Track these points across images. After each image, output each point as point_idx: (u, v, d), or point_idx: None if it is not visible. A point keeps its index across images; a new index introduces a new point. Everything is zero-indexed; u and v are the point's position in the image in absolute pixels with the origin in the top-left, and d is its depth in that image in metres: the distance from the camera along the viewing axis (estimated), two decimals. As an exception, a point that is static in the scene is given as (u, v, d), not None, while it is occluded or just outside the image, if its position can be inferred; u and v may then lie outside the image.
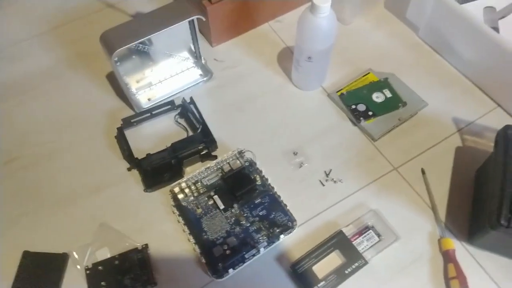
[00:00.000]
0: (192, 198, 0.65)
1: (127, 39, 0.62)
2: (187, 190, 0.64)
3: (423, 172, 0.67)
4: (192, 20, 0.69)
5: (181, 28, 0.71)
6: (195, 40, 0.75)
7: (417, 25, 0.82)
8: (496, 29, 0.76)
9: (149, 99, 0.76)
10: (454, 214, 0.63)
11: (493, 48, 0.69)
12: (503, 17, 0.77)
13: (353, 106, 0.72)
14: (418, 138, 0.70)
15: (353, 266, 0.58)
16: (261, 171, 0.67)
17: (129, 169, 0.69)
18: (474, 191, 0.64)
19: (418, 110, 0.72)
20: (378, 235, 0.60)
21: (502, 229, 0.50)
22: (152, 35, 0.64)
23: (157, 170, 0.67)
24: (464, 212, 0.63)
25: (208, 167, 0.66)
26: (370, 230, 0.61)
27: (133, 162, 0.68)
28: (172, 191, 0.65)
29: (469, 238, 0.60)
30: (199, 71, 0.79)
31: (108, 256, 0.61)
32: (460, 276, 0.56)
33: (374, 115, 0.71)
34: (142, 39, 0.64)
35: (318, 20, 0.63)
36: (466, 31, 0.72)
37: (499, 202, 0.51)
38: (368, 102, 0.73)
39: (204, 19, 0.68)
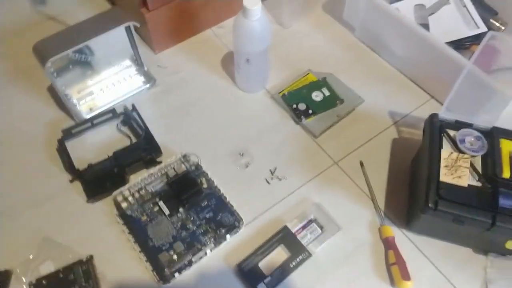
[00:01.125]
0: (136, 206, 0.64)
1: (60, 48, 0.62)
2: (130, 198, 0.64)
3: (361, 164, 0.69)
4: (129, 27, 0.69)
5: (119, 36, 0.71)
6: (134, 47, 0.75)
7: (353, 26, 0.86)
8: (426, 25, 0.80)
9: (90, 109, 0.75)
10: (392, 203, 0.65)
11: (423, 44, 0.73)
12: (432, 13, 0.82)
13: (294, 106, 0.75)
14: (356, 133, 0.73)
15: (298, 259, 0.59)
16: (207, 174, 0.67)
17: (71, 181, 0.67)
18: (410, 179, 0.67)
19: (355, 106, 0.75)
20: (321, 227, 0.62)
21: (430, 212, 0.53)
22: (84, 43, 0.63)
23: (100, 180, 0.66)
24: (402, 200, 0.66)
25: (152, 173, 0.66)
26: (313, 223, 0.62)
27: (75, 173, 0.67)
28: (115, 200, 0.64)
29: (407, 224, 0.63)
30: (142, 78, 0.79)
31: (52, 270, 0.60)
32: (400, 261, 0.58)
33: (314, 113, 0.74)
34: (75, 47, 0.63)
35: (251, 23, 0.65)
36: (397, 30, 0.76)
37: (427, 186, 0.54)
38: (308, 101, 0.75)
39: (138, 26, 0.68)
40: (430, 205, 0.52)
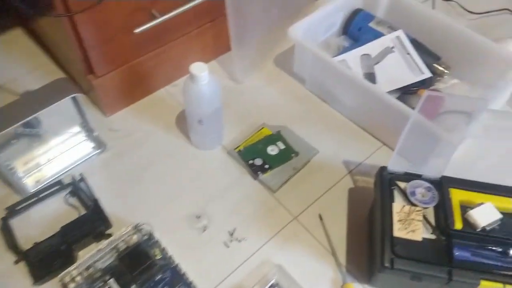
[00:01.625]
0: (84, 286, 0.60)
1: (2, 125, 0.59)
2: (78, 278, 0.60)
3: (320, 218, 0.68)
4: (75, 96, 0.68)
5: (65, 105, 0.69)
6: (83, 115, 0.73)
7: (304, 78, 0.87)
8: (372, 74, 0.83)
9: (37, 181, 0.71)
10: (353, 257, 0.64)
11: (368, 95, 0.75)
12: (378, 62, 0.85)
13: (251, 161, 0.74)
14: (313, 185, 0.72)
15: (259, 331, 0.56)
16: (160, 244, 0.64)
17: (16, 262, 0.63)
18: (368, 231, 0.66)
19: (310, 158, 0.75)
20: (283, 292, 0.60)
21: (387, 271, 0.51)
22: (28, 118, 0.61)
23: (46, 260, 0.62)
24: (363, 254, 0.64)
25: (100, 249, 0.62)
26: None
27: (19, 254, 0.62)
28: (62, 282, 0.60)
29: (369, 280, 0.61)
30: (92, 144, 0.77)
31: None
32: (364, 321, 0.56)
33: (270, 168, 0.73)
34: (18, 123, 0.61)
35: (199, 88, 0.65)
36: (342, 82, 0.79)
37: (381, 243, 0.53)
38: (264, 156, 0.74)
39: (82, 96, 0.67)
40: (386, 264, 0.51)
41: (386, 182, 0.58)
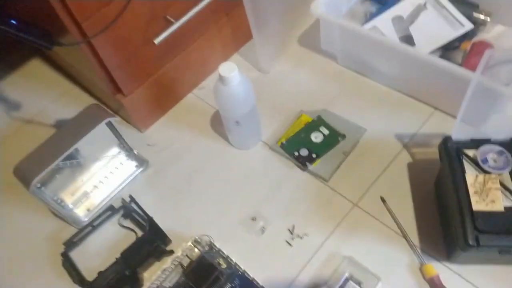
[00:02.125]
0: (157, 306, 0.59)
1: (41, 167, 0.59)
2: (150, 300, 0.59)
3: (383, 200, 0.64)
4: (110, 121, 0.66)
5: (101, 131, 0.67)
6: (119, 137, 0.71)
7: (334, 54, 0.82)
8: (409, 36, 0.77)
9: (88, 210, 0.71)
10: (426, 236, 0.60)
11: (408, 59, 0.69)
12: (411, 23, 0.78)
13: (296, 153, 0.70)
14: (367, 167, 0.68)
15: (344, 329, 0.53)
16: (223, 253, 0.63)
17: (84, 294, 0.63)
18: (437, 205, 0.62)
19: (359, 138, 0.71)
20: (359, 284, 0.57)
21: (473, 249, 0.47)
22: (66, 152, 0.60)
23: (114, 287, 0.61)
24: (436, 230, 0.60)
25: (165, 269, 0.61)
26: (349, 281, 0.57)
27: (87, 285, 0.62)
28: (134, 306, 0.59)
29: (448, 257, 0.57)
30: (134, 163, 0.75)
31: None
32: (452, 303, 0.53)
33: (318, 156, 0.69)
34: (58, 160, 0.60)
35: (231, 90, 0.62)
36: (378, 50, 0.73)
37: (461, 221, 0.49)
38: (309, 145, 0.71)
39: (117, 119, 0.65)
40: (471, 243, 0.47)
41: (453, 153, 0.54)
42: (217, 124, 0.79)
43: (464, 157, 0.53)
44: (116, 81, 0.70)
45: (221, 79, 0.60)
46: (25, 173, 0.58)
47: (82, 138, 0.61)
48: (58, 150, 0.61)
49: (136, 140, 0.75)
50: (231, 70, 0.59)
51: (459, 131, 0.55)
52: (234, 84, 0.61)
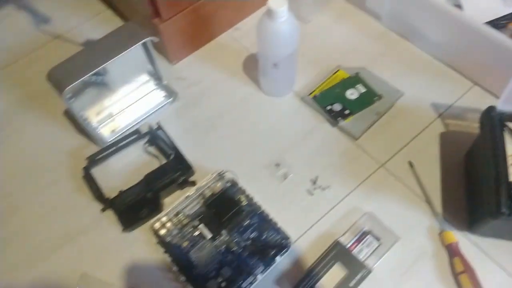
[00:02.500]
0: (175, 231, 0.60)
1: (76, 74, 0.57)
2: (169, 224, 0.60)
3: (411, 165, 0.64)
4: (145, 42, 0.64)
5: (135, 52, 0.66)
6: (152, 61, 0.70)
7: (379, 14, 0.80)
8: (459, 6, 0.74)
9: (112, 131, 0.71)
10: (450, 204, 0.60)
11: (458, 26, 0.67)
12: (464, -8, 0.75)
13: (329, 107, 0.69)
14: (399, 130, 0.68)
15: (357, 278, 0.54)
16: (244, 190, 0.63)
17: (103, 210, 0.63)
18: (466, 177, 0.62)
19: (395, 101, 0.70)
20: (377, 239, 0.57)
21: (504, 218, 0.47)
22: (102, 65, 0.59)
23: (133, 207, 0.62)
24: (460, 200, 0.60)
25: (188, 196, 0.61)
26: (369, 235, 0.58)
27: (106, 202, 0.63)
28: (153, 228, 0.60)
29: (469, 227, 0.58)
30: (163, 93, 0.74)
31: (94, 309, 0.56)
32: (468, 269, 0.53)
33: (351, 113, 0.68)
34: (93, 72, 0.58)
35: (277, 26, 0.60)
36: (430, 13, 0.70)
37: (496, 189, 0.48)
38: (343, 101, 0.70)
39: (157, 40, 0.63)
40: (503, 210, 0.47)
41: (496, 123, 0.53)
42: (250, 68, 0.77)
43: (506, 129, 0.53)
44: (157, 3, 0.67)
45: (269, 12, 0.58)
46: (59, 79, 0.57)
47: (119, 54, 0.60)
48: (93, 62, 0.59)
49: (165, 72, 0.73)
50: (280, 4, 0.57)
51: (505, 103, 0.54)
52: (281, 20, 0.59)
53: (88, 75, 0.57)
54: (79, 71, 0.57)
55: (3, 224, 0.63)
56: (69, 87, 0.56)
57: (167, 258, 0.58)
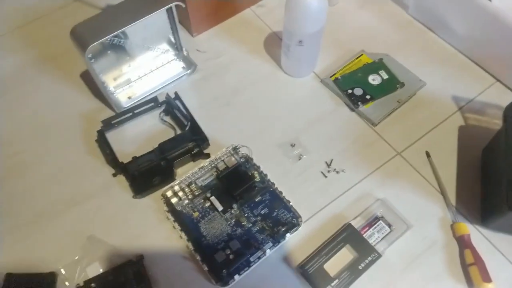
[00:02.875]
0: (186, 201, 0.60)
1: (101, 33, 0.56)
2: (180, 193, 0.59)
3: (428, 155, 0.63)
4: (171, 8, 0.63)
5: (159, 18, 0.65)
6: (175, 30, 0.69)
7: (406, 3, 0.78)
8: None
9: (129, 97, 0.70)
10: (464, 197, 0.60)
11: (486, 19, 0.66)
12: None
13: (350, 91, 0.69)
14: (419, 120, 0.67)
15: (367, 261, 0.54)
16: (258, 167, 0.62)
17: (114, 175, 0.63)
18: (482, 171, 0.61)
19: (417, 90, 0.69)
20: (389, 225, 0.57)
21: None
22: (128, 26, 0.58)
23: (146, 174, 0.61)
24: (474, 194, 0.60)
25: (202, 167, 0.61)
26: (380, 221, 0.57)
27: (119, 167, 0.62)
28: (164, 195, 0.60)
29: (482, 221, 0.58)
30: (181, 64, 0.73)
31: (100, 271, 0.56)
32: (479, 261, 0.53)
33: (372, 99, 0.68)
34: (118, 32, 0.57)
35: (307, 0, 0.58)
36: (456, 4, 0.69)
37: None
38: (365, 85, 0.69)
39: (183, 6, 0.62)
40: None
41: (521, 118, 0.52)
42: (271, 46, 0.76)
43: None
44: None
45: (301, -14, 0.57)
46: (83, 36, 0.56)
47: (145, 17, 0.59)
48: (117, 23, 0.58)
49: (186, 43, 0.72)
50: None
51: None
52: (311, -4, 0.58)
53: (113, 34, 0.57)
54: (103, 30, 0.56)
55: (15, 181, 0.63)
56: (92, 44, 0.55)
57: (176, 226, 0.58)
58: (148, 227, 0.59)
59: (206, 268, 0.54)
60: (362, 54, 0.73)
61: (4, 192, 0.62)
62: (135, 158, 0.62)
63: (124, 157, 0.63)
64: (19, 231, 0.59)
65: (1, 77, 0.73)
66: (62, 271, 0.56)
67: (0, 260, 0.56)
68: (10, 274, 0.55)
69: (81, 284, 0.55)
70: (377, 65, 0.71)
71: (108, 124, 0.66)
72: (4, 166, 0.64)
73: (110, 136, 0.66)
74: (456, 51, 0.74)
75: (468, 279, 0.54)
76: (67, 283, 0.55)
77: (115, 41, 0.64)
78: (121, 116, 0.66)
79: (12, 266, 0.56)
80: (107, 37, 0.56)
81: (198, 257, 0.55)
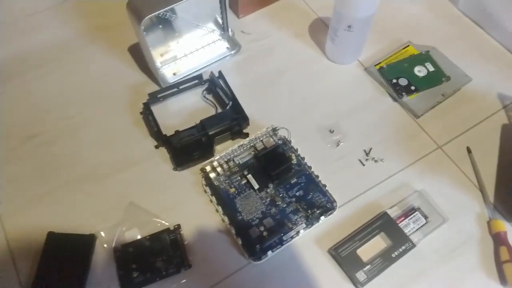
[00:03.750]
0: (224, 177, 0.61)
1: (157, 5, 0.58)
2: (219, 169, 0.61)
3: (469, 150, 0.63)
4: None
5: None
6: (223, 9, 0.70)
7: (457, -4, 0.77)
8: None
9: (174, 74, 0.72)
10: (503, 195, 0.59)
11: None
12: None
13: (394, 81, 0.68)
14: (462, 115, 0.66)
15: (400, 250, 0.54)
16: (296, 150, 0.63)
17: (156, 147, 0.65)
18: (525, 171, 0.60)
19: (462, 85, 0.68)
20: (425, 217, 0.57)
21: None
22: (184, 1, 0.59)
23: (187, 148, 0.63)
24: (514, 193, 0.59)
25: (242, 145, 0.62)
26: (417, 212, 0.57)
27: (161, 139, 0.64)
28: (203, 170, 0.61)
29: (520, 220, 0.57)
30: (226, 44, 0.75)
31: (138, 237, 0.58)
32: (515, 259, 0.53)
33: (417, 90, 0.67)
34: (173, 5, 0.59)
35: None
36: (509, 2, 0.67)
37: None
38: (410, 76, 0.68)
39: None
40: None
41: None
42: (316, 31, 0.76)
43: None
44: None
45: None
46: (138, 8, 0.58)
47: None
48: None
49: (232, 24, 0.73)
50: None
51: None
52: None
53: (168, 7, 0.58)
54: (159, 3, 0.58)
55: (63, 143, 0.66)
56: (148, 16, 0.57)
57: (213, 200, 0.59)
58: (186, 199, 0.61)
59: (240, 242, 0.56)
60: (408, 45, 0.72)
61: (53, 152, 0.65)
62: (177, 132, 0.64)
63: (166, 130, 0.65)
64: (63, 192, 0.61)
65: (54, 44, 0.76)
66: (102, 234, 0.58)
67: (44, 218, 0.59)
68: (52, 232, 0.57)
69: (119, 247, 0.57)
70: (423, 57, 0.70)
71: (154, 97, 0.68)
72: (56, 127, 0.67)
73: (155, 109, 0.68)
74: (504, 49, 0.73)
75: (502, 276, 0.54)
76: (105, 245, 0.58)
77: (168, 15, 0.66)
78: (166, 90, 0.68)
79: (54, 225, 0.58)
80: (162, 9, 0.58)
81: (233, 231, 0.57)
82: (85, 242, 0.57)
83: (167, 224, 0.59)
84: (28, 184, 0.62)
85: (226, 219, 0.58)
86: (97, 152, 0.65)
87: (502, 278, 0.53)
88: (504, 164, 0.61)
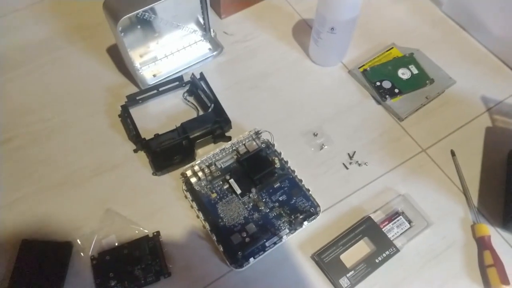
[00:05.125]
0: (205, 182, 0.60)
1: (134, 6, 0.56)
2: (200, 174, 0.59)
3: (453, 154, 0.62)
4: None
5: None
6: (204, 9, 0.68)
7: (441, 0, 0.77)
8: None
9: (154, 75, 0.70)
10: (487, 198, 0.59)
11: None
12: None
13: (378, 83, 0.68)
14: (446, 118, 0.66)
15: (384, 255, 0.54)
16: (279, 153, 0.62)
17: (135, 151, 0.63)
18: (507, 174, 0.60)
19: (446, 88, 0.68)
20: (409, 221, 0.56)
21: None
22: (162, 1, 0.57)
23: (167, 152, 0.61)
24: (497, 196, 0.59)
25: (224, 149, 0.61)
26: (400, 216, 0.57)
27: (140, 143, 0.62)
28: (184, 175, 0.60)
29: (504, 223, 0.57)
30: (208, 45, 0.73)
31: (116, 244, 0.56)
32: (498, 263, 0.52)
33: (400, 93, 0.66)
34: (151, 5, 0.57)
35: (344, -14, 0.58)
36: (494, 5, 0.67)
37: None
38: (394, 79, 0.68)
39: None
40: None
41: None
42: (300, 33, 0.75)
43: None
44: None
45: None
46: (115, 8, 0.56)
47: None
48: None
49: (214, 25, 0.72)
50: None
51: None
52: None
53: (146, 7, 0.56)
54: (136, 3, 0.56)
55: (39, 147, 0.63)
56: (125, 16, 0.55)
57: (194, 205, 0.58)
58: (166, 205, 0.59)
59: (221, 249, 0.54)
60: (392, 47, 0.71)
61: (28, 157, 0.62)
62: (157, 135, 0.63)
63: (146, 133, 0.63)
64: (39, 198, 0.59)
65: (31, 44, 0.73)
66: (78, 241, 0.56)
67: (18, 226, 0.57)
68: (26, 240, 0.55)
69: (96, 255, 0.55)
70: (407, 60, 0.69)
71: (133, 100, 0.66)
72: (31, 130, 0.65)
73: (133, 112, 0.66)
74: (488, 51, 0.73)
75: (486, 280, 0.53)
76: (82, 254, 0.56)
77: (146, 16, 0.64)
78: (146, 92, 0.66)
79: (29, 232, 0.56)
80: (139, 10, 0.56)
81: (214, 238, 0.55)
82: (61, 250, 0.55)
83: (146, 231, 0.57)
84: (2, 190, 0.59)
85: (207, 225, 0.56)
86: (74, 157, 0.63)
87: (486, 283, 0.53)
88: (488, 168, 0.61)
